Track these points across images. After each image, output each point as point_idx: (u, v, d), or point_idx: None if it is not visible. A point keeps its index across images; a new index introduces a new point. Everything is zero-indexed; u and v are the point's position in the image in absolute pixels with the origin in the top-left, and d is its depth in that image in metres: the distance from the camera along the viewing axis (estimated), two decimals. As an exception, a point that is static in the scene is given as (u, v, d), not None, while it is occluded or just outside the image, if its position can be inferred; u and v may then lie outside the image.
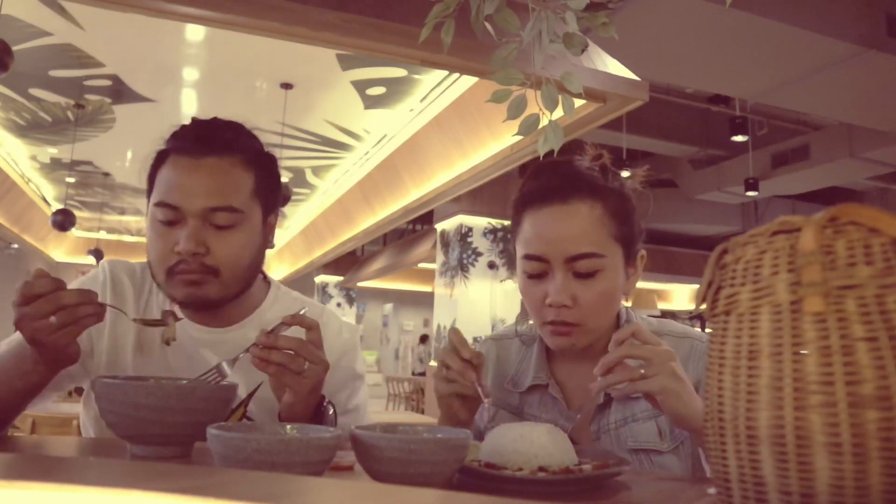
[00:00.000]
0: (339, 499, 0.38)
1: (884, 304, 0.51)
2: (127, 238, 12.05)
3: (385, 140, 6.22)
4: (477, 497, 0.40)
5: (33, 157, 7.31)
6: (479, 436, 1.12)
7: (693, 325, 1.25)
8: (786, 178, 8.74)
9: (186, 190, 1.02)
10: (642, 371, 0.88)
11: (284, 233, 11.11)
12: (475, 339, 1.25)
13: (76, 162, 7.19)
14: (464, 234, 7.16)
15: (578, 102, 3.77)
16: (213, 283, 1.03)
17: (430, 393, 7.81)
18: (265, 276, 1.22)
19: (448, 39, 1.00)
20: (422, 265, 10.50)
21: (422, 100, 5.24)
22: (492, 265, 7.16)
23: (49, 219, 6.80)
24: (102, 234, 11.56)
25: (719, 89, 6.69)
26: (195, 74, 5.02)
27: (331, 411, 1.01)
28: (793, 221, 0.56)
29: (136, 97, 5.39)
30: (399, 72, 4.73)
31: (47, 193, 8.96)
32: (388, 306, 16.05)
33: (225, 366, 0.95)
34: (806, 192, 9.55)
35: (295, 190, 7.91)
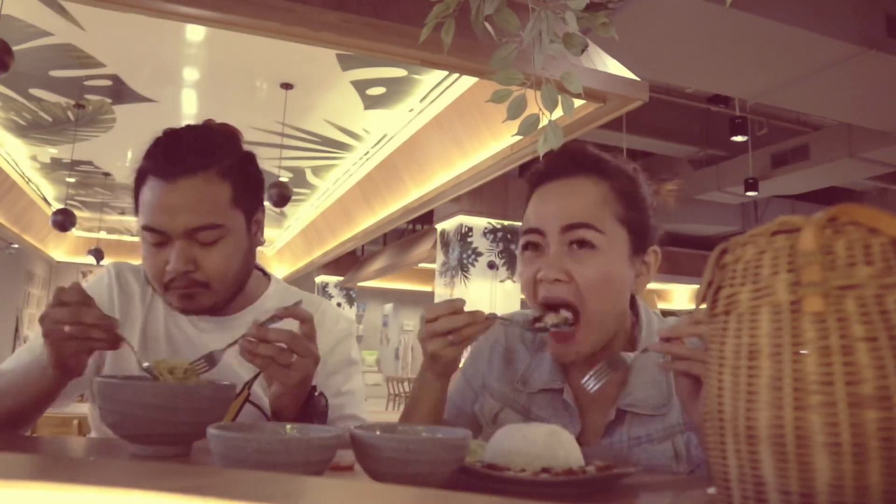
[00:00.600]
0: (339, 499, 0.38)
1: (883, 304, 0.51)
2: (127, 238, 12.05)
3: (385, 140, 6.22)
4: (477, 497, 0.40)
5: (34, 157, 7.31)
6: (468, 419, 1.11)
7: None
8: (785, 178, 8.73)
9: (167, 214, 1.04)
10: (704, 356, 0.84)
11: (284, 233, 11.11)
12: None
13: (76, 162, 7.19)
14: (464, 234, 7.16)
15: (578, 102, 3.77)
16: (205, 294, 1.08)
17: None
18: (264, 272, 1.26)
19: (448, 39, 1.00)
20: (422, 265, 10.50)
21: (422, 100, 5.25)
22: (492, 265, 7.17)
23: (49, 219, 6.80)
24: (102, 234, 11.56)
25: (719, 89, 6.69)
26: (195, 74, 5.02)
27: (322, 402, 1.03)
28: (792, 221, 0.56)
29: (136, 97, 5.40)
30: (399, 72, 4.73)
31: (47, 193, 8.96)
32: (388, 306, 16.04)
33: (215, 354, 0.97)
34: (806, 192, 9.55)
35: (295, 190, 7.88)
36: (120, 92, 5.31)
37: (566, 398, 1.04)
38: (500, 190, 6.88)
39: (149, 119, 5.81)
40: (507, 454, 0.79)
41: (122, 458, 0.85)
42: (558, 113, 1.03)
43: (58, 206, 8.22)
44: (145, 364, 0.92)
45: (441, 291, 7.45)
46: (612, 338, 1.02)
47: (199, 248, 1.05)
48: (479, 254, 7.16)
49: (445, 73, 4.63)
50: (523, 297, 1.07)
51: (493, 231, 7.23)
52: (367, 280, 12.51)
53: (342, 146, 6.47)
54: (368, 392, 11.64)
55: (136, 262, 1.23)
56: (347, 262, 12.33)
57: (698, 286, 0.62)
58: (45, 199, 9.17)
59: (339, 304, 13.15)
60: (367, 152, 6.59)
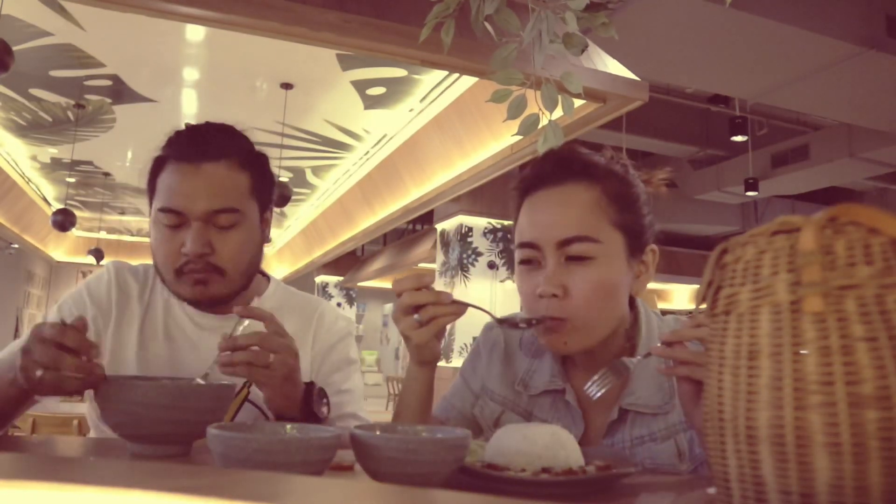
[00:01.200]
0: (339, 499, 0.38)
1: (883, 304, 0.51)
2: (127, 238, 12.06)
3: (385, 140, 6.22)
4: (477, 497, 0.40)
5: (34, 157, 7.31)
6: (468, 422, 1.10)
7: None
8: (785, 178, 8.73)
9: (189, 195, 1.06)
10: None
11: (284, 233, 11.11)
12: (474, 339, 1.21)
13: (76, 162, 7.19)
14: (464, 234, 7.16)
15: (578, 102, 3.77)
16: (218, 282, 1.09)
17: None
18: (264, 274, 1.27)
19: (448, 39, 1.01)
20: (422, 265, 10.50)
21: (422, 100, 5.24)
22: (492, 265, 7.16)
23: (49, 219, 6.81)
24: (103, 234, 11.57)
25: (719, 89, 6.69)
26: (195, 74, 5.02)
27: (324, 400, 1.03)
28: (792, 221, 0.56)
29: (136, 97, 5.39)
30: (399, 72, 4.73)
31: (47, 193, 8.96)
32: (389, 306, 16.03)
33: (200, 380, 0.96)
34: (806, 192, 9.55)
35: (295, 190, 7.90)
36: (120, 92, 5.31)
37: (568, 399, 1.03)
38: (500, 190, 6.86)
39: (149, 119, 5.81)
40: (507, 454, 0.79)
41: (122, 458, 0.85)
42: (558, 113, 1.03)
43: (58, 206, 8.23)
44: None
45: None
46: (610, 336, 1.01)
47: (216, 232, 1.07)
48: (479, 254, 7.16)
49: (445, 73, 4.63)
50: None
51: (493, 231, 7.23)
52: (367, 280, 12.50)
53: (342, 146, 6.47)
54: (368, 392, 11.65)
55: (136, 262, 1.25)
56: (347, 262, 12.33)
57: (698, 286, 0.62)
58: (45, 199, 9.17)
59: (339, 304, 13.15)
60: (367, 152, 6.59)
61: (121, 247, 11.97)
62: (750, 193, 8.63)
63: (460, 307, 0.92)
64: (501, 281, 7.16)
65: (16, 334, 11.53)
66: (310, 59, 4.47)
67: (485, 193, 6.72)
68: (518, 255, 1.01)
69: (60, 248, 11.94)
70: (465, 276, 7.06)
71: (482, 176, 5.38)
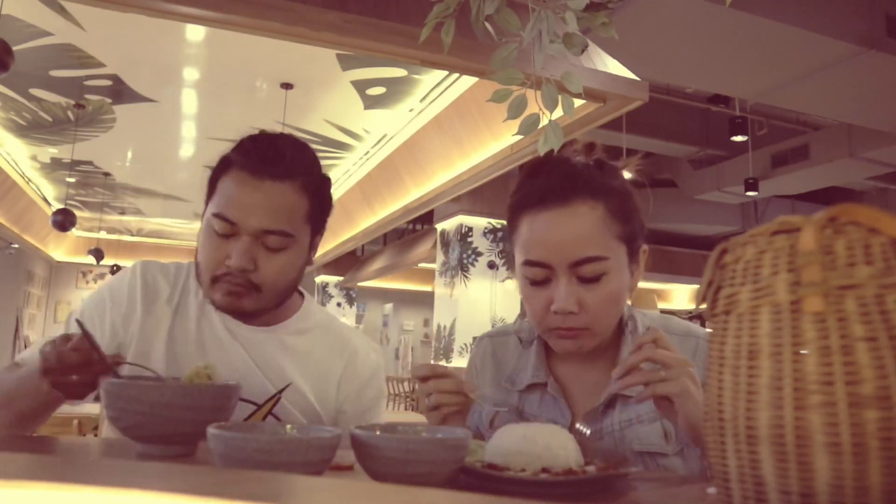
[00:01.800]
0: (339, 499, 0.38)
1: (883, 303, 0.51)
2: (127, 238, 12.06)
3: (385, 140, 6.22)
4: (477, 497, 0.40)
5: (34, 157, 7.31)
6: (476, 436, 1.12)
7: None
8: (785, 178, 8.73)
9: (245, 208, 1.04)
10: (663, 374, 0.87)
11: (284, 233, 11.07)
12: (474, 339, 1.23)
13: (76, 162, 7.19)
14: (464, 234, 7.16)
15: (578, 102, 3.77)
16: (252, 297, 1.07)
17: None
18: (300, 292, 1.25)
19: (448, 39, 1.01)
20: (422, 265, 10.50)
21: (422, 100, 5.24)
22: (492, 265, 7.17)
23: (49, 219, 6.80)
24: (103, 234, 11.57)
25: (719, 89, 6.68)
26: (195, 74, 5.02)
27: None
28: (793, 221, 0.55)
29: (136, 97, 5.39)
30: (399, 72, 4.73)
31: (47, 193, 8.96)
32: (388, 306, 16.04)
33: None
34: (806, 192, 9.55)
35: (295, 190, 7.90)
36: (120, 92, 5.31)
37: (550, 390, 1.07)
38: (500, 190, 6.86)
39: (149, 119, 5.81)
40: (507, 454, 0.79)
41: (128, 458, 0.85)
42: (558, 113, 1.03)
43: (58, 206, 8.22)
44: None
45: (441, 291, 7.45)
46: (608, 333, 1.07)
47: (264, 251, 1.06)
48: (479, 254, 7.16)
49: (445, 73, 4.63)
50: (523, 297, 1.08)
51: (493, 231, 7.23)
52: (367, 280, 12.50)
53: (342, 146, 6.47)
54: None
55: (134, 262, 1.22)
56: (347, 262, 12.33)
57: (698, 286, 0.62)
58: (45, 199, 9.17)
59: (338, 304, 13.16)
60: (367, 152, 6.59)
61: (121, 247, 11.97)
62: (750, 193, 8.63)
63: (466, 399, 0.96)
64: (501, 281, 7.16)
65: (16, 334, 11.52)
66: (310, 59, 4.47)
67: (485, 193, 6.72)
68: (527, 272, 1.02)
69: (60, 248, 11.94)
70: (465, 276, 7.06)
71: (482, 176, 5.38)
